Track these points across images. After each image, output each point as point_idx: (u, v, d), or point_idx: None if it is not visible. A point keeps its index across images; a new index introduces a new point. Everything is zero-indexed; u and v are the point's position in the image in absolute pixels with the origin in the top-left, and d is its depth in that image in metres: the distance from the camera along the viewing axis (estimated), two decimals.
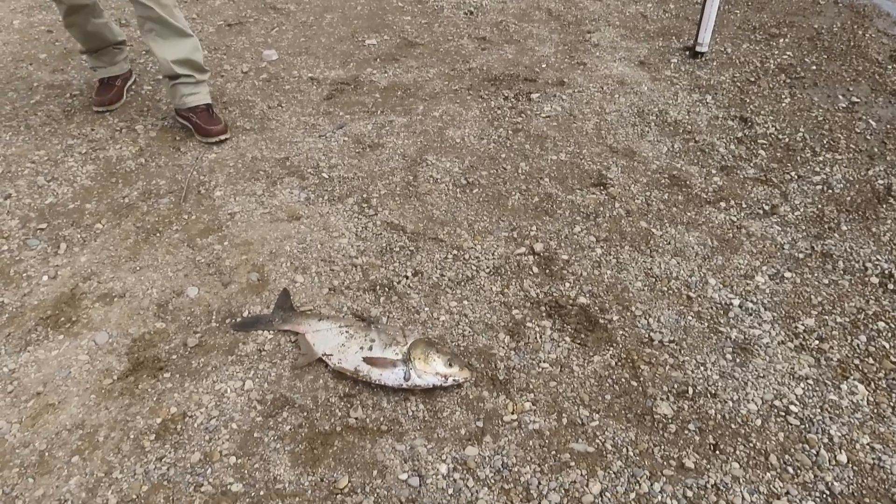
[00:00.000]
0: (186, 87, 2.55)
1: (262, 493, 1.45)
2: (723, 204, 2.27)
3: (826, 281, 1.97)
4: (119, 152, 2.57)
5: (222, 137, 2.61)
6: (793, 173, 2.40)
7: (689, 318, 1.86)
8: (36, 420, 1.60)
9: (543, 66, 3.16)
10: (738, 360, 1.74)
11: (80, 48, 2.80)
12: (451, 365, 1.62)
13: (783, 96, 2.85)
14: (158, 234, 2.16)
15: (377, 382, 1.63)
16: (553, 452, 1.52)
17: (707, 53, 3.17)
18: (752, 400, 1.64)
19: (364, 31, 3.49)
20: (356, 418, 1.60)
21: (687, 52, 3.21)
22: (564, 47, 3.34)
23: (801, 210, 2.23)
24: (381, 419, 1.59)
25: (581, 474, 1.48)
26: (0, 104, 2.90)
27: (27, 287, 1.97)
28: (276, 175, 2.43)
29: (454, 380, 1.62)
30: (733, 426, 1.58)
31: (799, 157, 2.48)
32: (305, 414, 1.61)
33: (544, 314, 1.87)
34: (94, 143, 2.62)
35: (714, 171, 2.43)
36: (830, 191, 2.31)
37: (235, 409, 1.62)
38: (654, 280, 1.98)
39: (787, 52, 3.20)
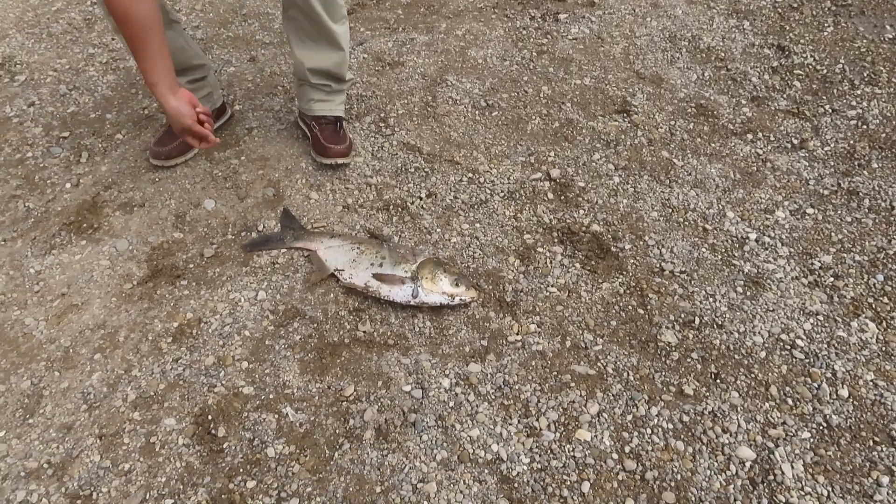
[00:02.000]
0: (317, 92, 2.04)
1: (271, 396, 1.51)
2: (750, 136, 2.20)
3: (849, 219, 1.92)
4: None
5: (339, 161, 2.05)
6: (827, 107, 2.30)
7: (703, 249, 1.84)
8: (61, 319, 1.68)
9: None
10: (748, 294, 1.73)
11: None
12: (457, 285, 1.65)
13: (826, 24, 2.69)
14: None
15: (386, 298, 1.66)
16: (554, 373, 1.56)
17: None
18: (759, 333, 1.64)
19: None
20: (364, 332, 1.64)
21: None
22: None
23: (832, 145, 2.15)
24: (389, 333, 1.64)
25: (580, 395, 1.51)
26: (23, 10, 2.88)
27: (51, 193, 2.02)
28: (294, 91, 2.40)
29: (461, 299, 1.65)
30: (737, 357, 1.59)
31: (836, 90, 2.37)
32: (315, 325, 1.65)
33: (556, 240, 1.86)
34: (114, 53, 2.61)
35: (744, 102, 2.34)
36: (865, 126, 2.22)
37: (248, 317, 1.67)
38: (670, 211, 1.95)
39: None
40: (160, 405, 1.50)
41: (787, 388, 1.53)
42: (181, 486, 1.37)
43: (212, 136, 1.76)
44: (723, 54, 2.55)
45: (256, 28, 2.76)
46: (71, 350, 1.61)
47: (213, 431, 1.45)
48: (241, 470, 1.39)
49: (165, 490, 1.36)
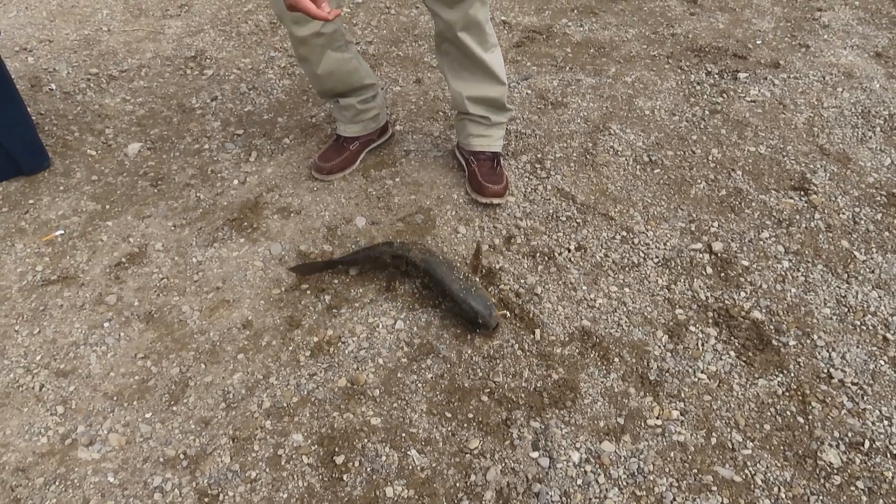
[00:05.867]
0: (476, 126, 2.04)
1: (397, 432, 1.50)
2: None
3: None
4: None
5: (495, 201, 2.02)
6: None
7: (882, 362, 1.64)
8: (213, 312, 1.77)
9: (758, 42, 2.83)
10: None
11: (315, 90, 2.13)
12: None
13: None
14: None
15: None
16: (695, 471, 1.43)
17: None
18: None
19: None
20: (496, 382, 1.59)
21: None
22: (787, 24, 2.97)
23: None
24: (521, 390, 1.58)
25: (721, 502, 1.38)
26: (218, 8, 3.12)
27: (220, 187, 2.15)
28: (453, 121, 2.41)
29: None
30: None
31: None
32: (448, 366, 1.63)
33: (711, 321, 1.73)
34: (293, 59, 2.75)
35: None
36: None
37: (384, 345, 1.68)
38: (846, 310, 1.76)
39: None
40: (291, 418, 1.53)
41: None
42: None
43: (323, 12, 1.35)
44: None
45: (425, 50, 2.81)
46: (218, 345, 1.69)
47: (336, 457, 1.45)
48: None
49: None
